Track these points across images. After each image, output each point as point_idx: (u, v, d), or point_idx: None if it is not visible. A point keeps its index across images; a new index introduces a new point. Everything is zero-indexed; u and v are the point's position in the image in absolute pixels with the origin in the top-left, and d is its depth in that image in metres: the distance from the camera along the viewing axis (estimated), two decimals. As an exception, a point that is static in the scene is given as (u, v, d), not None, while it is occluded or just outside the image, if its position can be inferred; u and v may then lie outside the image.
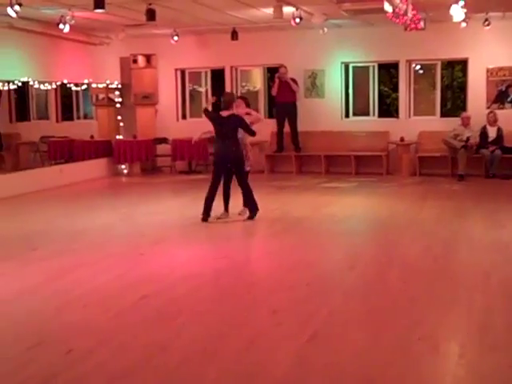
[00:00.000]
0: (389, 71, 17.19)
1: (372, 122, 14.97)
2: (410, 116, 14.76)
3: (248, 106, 9.76)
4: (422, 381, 4.10)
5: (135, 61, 15.97)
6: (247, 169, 9.40)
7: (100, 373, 4.24)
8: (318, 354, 4.49)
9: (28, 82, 13.81)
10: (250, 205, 9.25)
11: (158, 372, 4.24)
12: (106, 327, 5.13)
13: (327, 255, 7.69)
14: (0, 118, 14.58)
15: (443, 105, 15.07)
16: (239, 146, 9.08)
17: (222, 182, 9.27)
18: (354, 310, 5.52)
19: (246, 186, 9.17)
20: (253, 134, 9.08)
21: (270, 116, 15.77)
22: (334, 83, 15.06)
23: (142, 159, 15.82)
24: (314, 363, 4.32)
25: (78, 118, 16.91)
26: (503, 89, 14.09)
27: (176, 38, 14.34)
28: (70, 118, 16.63)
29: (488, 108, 13.96)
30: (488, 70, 14.02)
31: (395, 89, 16.11)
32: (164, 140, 15.73)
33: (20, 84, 13.73)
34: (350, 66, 15.28)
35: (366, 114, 15.35)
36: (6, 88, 13.87)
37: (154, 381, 4.12)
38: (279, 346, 4.69)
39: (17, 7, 9.99)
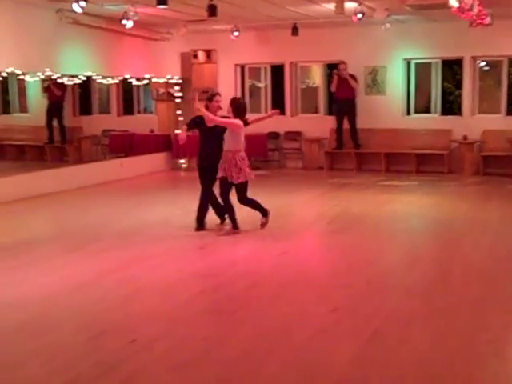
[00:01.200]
0: (452, 68, 16.83)
1: (434, 120, 14.68)
2: (473, 114, 14.41)
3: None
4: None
5: (195, 56, 16.09)
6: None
7: (161, 363, 4.29)
8: (377, 354, 4.43)
9: (91, 77, 14.07)
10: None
11: (216, 364, 4.27)
12: (167, 318, 5.18)
13: (387, 253, 7.58)
14: (64, 112, 14.88)
15: (509, 103, 14.64)
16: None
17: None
18: (415, 309, 5.42)
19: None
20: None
21: (329, 113, 15.67)
22: (396, 80, 14.82)
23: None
24: (374, 362, 4.27)
25: (139, 112, 17.14)
26: None
27: (236, 33, 14.37)
28: (131, 113, 16.88)
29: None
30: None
31: (458, 86, 15.76)
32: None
33: (84, 79, 14.01)
34: (412, 62, 15.01)
35: (428, 111, 15.07)
36: (70, 83, 14.17)
37: (212, 373, 4.15)
38: (339, 343, 4.66)
39: (82, 3, 10.20)
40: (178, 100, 16.17)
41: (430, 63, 14.95)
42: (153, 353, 4.46)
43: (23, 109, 15.63)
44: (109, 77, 14.77)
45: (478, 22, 10.90)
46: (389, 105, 14.78)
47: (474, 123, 14.05)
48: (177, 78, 16.11)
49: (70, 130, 14.84)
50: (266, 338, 4.74)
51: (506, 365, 4.33)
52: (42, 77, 13.46)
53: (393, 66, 14.81)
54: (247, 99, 16.66)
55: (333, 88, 14.69)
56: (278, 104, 16.12)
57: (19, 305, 5.55)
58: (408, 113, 15.01)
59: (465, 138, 13.76)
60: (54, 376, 4.14)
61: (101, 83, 15.07)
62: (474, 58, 14.33)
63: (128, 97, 16.80)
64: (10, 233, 8.48)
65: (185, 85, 16.20)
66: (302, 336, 4.75)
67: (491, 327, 4.94)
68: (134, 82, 15.86)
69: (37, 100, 15.16)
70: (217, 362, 4.32)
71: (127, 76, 15.15)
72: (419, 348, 4.52)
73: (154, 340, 4.70)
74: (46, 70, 12.68)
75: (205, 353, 4.46)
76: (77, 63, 13.39)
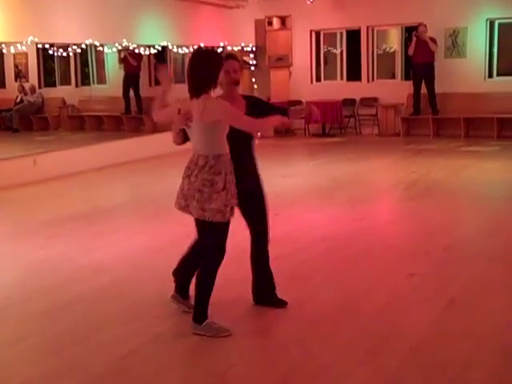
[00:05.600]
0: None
1: (517, 82, 14.09)
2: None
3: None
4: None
5: (270, 23, 15.96)
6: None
7: (239, 328, 4.30)
8: (455, 321, 4.34)
9: (167, 47, 14.18)
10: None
11: (294, 328, 4.32)
12: (243, 283, 5.19)
13: (466, 220, 7.39)
14: (141, 83, 15.09)
15: None
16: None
17: None
18: (495, 277, 5.27)
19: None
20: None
21: (407, 78, 15.28)
22: (478, 41, 14.26)
23: (276, 122, 15.85)
24: (451, 330, 4.19)
25: (213, 80, 17.19)
26: None
27: (311, -2, 14.17)
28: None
29: None
30: None
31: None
32: (298, 103, 15.67)
33: (159, 49, 14.13)
34: (496, 22, 14.40)
35: None
36: (147, 53, 14.33)
37: (290, 336, 4.19)
38: (415, 309, 4.59)
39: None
40: (252, 68, 16.14)
41: (514, 23, 14.33)
42: (230, 317, 4.48)
43: (101, 80, 15.92)
44: (183, 46, 14.85)
45: None
46: (470, 68, 14.26)
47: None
48: (251, 45, 16.05)
49: (146, 100, 15.04)
50: (343, 302, 4.73)
51: None
52: (119, 48, 13.67)
53: (475, 26, 14.24)
54: (322, 66, 16.47)
55: (411, 51, 14.28)
56: (354, 70, 15.86)
57: (103, 269, 5.73)
58: (490, 75, 14.46)
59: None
60: (133, 337, 4.25)
61: (176, 52, 15.16)
62: (562, 17, 13.62)
63: (203, 66, 16.86)
64: (91, 201, 8.72)
65: (259, 52, 16.14)
66: (379, 301, 4.71)
67: None
68: (209, 51, 15.89)
69: (114, 71, 15.40)
70: (293, 325, 4.35)
71: (202, 45, 15.19)
72: (498, 317, 4.40)
73: (233, 303, 4.74)
74: (123, 40, 12.87)
75: (282, 317, 4.48)
76: (152, 33, 13.53)
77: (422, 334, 4.13)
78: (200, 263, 4.24)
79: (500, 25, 14.42)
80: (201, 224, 4.19)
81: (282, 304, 4.58)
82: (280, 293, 4.81)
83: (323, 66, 16.51)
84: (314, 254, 5.99)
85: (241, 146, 4.39)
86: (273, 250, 6.10)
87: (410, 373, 3.66)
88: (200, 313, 4.17)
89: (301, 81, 16.06)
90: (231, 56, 4.55)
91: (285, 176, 10.17)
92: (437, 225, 6.95)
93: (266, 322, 4.42)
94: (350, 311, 4.54)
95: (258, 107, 4.53)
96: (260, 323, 4.43)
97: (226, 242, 4.21)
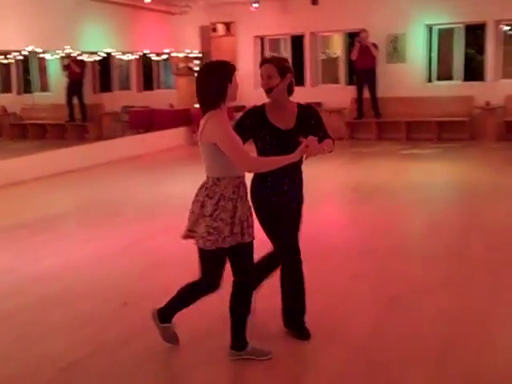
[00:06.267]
0: (474, 33, 16.54)
1: (456, 86, 14.47)
2: (497, 79, 14.19)
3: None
4: (504, 346, 4.00)
5: (214, 29, 16.04)
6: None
7: (178, 333, 4.33)
8: (396, 321, 4.45)
9: (111, 54, 14.10)
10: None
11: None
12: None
13: (407, 221, 7.57)
14: (85, 90, 14.95)
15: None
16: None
17: None
18: (435, 275, 5.42)
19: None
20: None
21: (350, 82, 15.55)
22: (417, 47, 14.62)
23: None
24: (392, 330, 4.29)
25: (159, 87, 17.17)
26: None
27: (256, 4, 14.28)
28: (151, 88, 16.91)
29: None
30: None
31: (481, 51, 15.51)
32: (242, 108, 15.76)
33: (103, 55, 14.04)
34: (434, 28, 14.79)
35: (450, 78, 14.88)
36: (90, 60, 14.21)
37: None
38: (358, 310, 4.69)
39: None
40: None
41: (452, 29, 14.73)
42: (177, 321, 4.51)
43: (44, 87, 15.70)
44: (128, 53, 14.79)
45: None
46: (410, 72, 14.61)
47: (497, 88, 13.84)
48: (196, 52, 16.08)
49: (90, 107, 14.90)
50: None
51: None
52: (62, 54, 13.52)
53: (414, 32, 14.61)
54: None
55: (354, 56, 14.54)
56: (299, 75, 16.04)
57: (48, 278, 5.67)
58: (429, 80, 14.84)
59: (487, 103, 13.58)
60: (79, 346, 4.23)
61: (120, 59, 15.09)
62: (497, 22, 14.08)
63: (148, 72, 16.82)
64: (35, 210, 8.60)
65: (204, 59, 16.16)
66: (323, 302, 4.79)
67: (509, 291, 4.93)
68: (154, 58, 15.87)
69: (57, 78, 15.21)
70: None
71: (146, 51, 15.16)
72: (439, 313, 4.54)
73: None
74: (66, 47, 12.75)
75: (224, 320, 4.51)
76: (96, 40, 13.44)
77: (364, 334, 4.23)
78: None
79: (439, 30, 14.83)
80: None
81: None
82: (224, 296, 4.84)
83: (269, 72, 16.63)
84: (257, 256, 6.03)
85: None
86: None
87: (352, 372, 3.75)
88: (239, 340, 3.96)
89: (246, 86, 16.11)
90: (265, 60, 4.12)
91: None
92: (380, 226, 7.11)
93: (212, 325, 4.44)
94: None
95: (306, 123, 4.09)
96: (203, 326, 4.44)
97: (214, 272, 3.91)
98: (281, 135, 4.04)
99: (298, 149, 3.81)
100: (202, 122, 3.78)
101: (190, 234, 3.94)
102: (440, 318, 4.47)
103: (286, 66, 4.07)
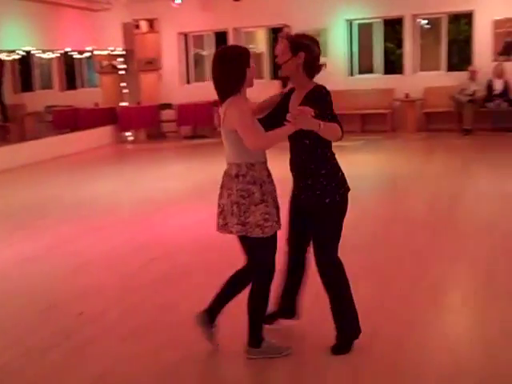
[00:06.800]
0: (393, 27, 16.99)
1: (377, 80, 14.85)
2: (415, 72, 14.62)
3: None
4: (427, 329, 4.16)
5: (137, 26, 15.90)
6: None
7: (110, 333, 4.34)
8: (320, 311, 4.53)
9: (30, 52, 13.78)
10: None
11: (165, 331, 4.34)
12: (115, 289, 5.23)
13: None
14: (4, 89, 14.56)
15: (449, 59, 14.90)
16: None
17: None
18: (360, 264, 5.54)
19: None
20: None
21: (275, 77, 15.70)
22: (338, 41, 14.92)
23: (146, 125, 15.83)
24: (319, 316, 4.38)
25: (82, 86, 16.89)
26: (510, 40, 13.91)
27: (178, 1, 14.24)
28: (74, 87, 16.62)
29: (494, 61, 13.81)
30: (494, 22, 13.83)
31: (400, 45, 15.95)
32: (169, 105, 15.72)
33: (23, 54, 13.71)
34: (354, 23, 15.11)
35: (371, 71, 15.25)
36: (9, 58, 13.85)
37: (161, 339, 4.22)
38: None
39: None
40: (121, 72, 15.99)
41: (371, 23, 15.09)
42: (103, 323, 4.51)
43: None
44: (49, 51, 14.49)
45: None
46: (332, 66, 14.83)
47: (416, 81, 14.27)
48: (120, 49, 15.90)
49: (11, 107, 14.52)
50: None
51: (445, 308, 4.53)
52: (-21, 54, 13.15)
53: (335, 27, 14.89)
54: (192, 68, 16.59)
55: (277, 51, 14.68)
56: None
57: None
58: (351, 73, 15.16)
59: (407, 96, 13.99)
60: (5, 350, 4.17)
61: (41, 58, 14.76)
62: (414, 16, 14.50)
63: (70, 71, 16.52)
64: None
65: (128, 56, 16.02)
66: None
67: (431, 275, 5.13)
68: (76, 56, 15.60)
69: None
70: (165, 329, 4.38)
71: (68, 49, 14.89)
72: (363, 300, 4.66)
73: (103, 311, 4.74)
74: (-18, 46, 12.40)
75: (154, 321, 4.53)
76: (14, 38, 13.11)
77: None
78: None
79: (358, 25, 15.15)
80: (243, 241, 3.79)
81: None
82: (152, 296, 4.88)
83: (193, 68, 16.64)
84: (186, 255, 6.08)
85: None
86: (146, 253, 6.18)
87: (274, 368, 3.83)
88: (256, 337, 3.82)
89: (171, 83, 16.10)
90: (281, 35, 3.89)
91: (156, 179, 10.21)
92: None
93: (135, 327, 4.44)
94: (225, 309, 4.65)
95: (313, 105, 3.60)
96: (130, 327, 4.44)
97: (272, 259, 3.74)
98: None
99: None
100: (221, 110, 3.67)
101: (224, 228, 3.81)
102: (365, 306, 4.60)
103: (299, 42, 3.78)
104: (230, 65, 3.62)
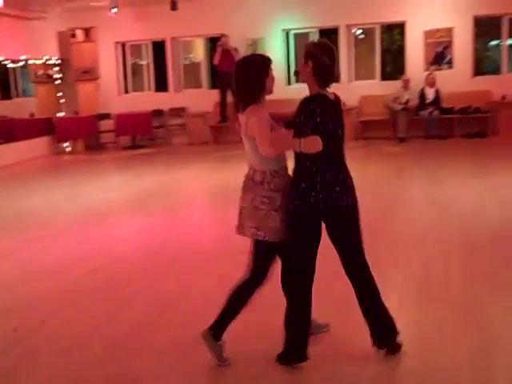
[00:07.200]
0: (329, 37, 17.30)
1: (314, 89, 15.07)
2: (351, 81, 14.94)
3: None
4: (359, 327, 4.28)
5: (74, 35, 15.72)
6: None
7: (50, 345, 4.30)
8: (264, 320, 4.61)
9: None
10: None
11: (106, 341, 4.33)
12: (55, 301, 5.18)
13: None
14: None
15: (383, 68, 15.29)
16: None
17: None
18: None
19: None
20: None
21: (213, 87, 15.78)
22: (276, 50, 15.08)
23: (84, 136, 15.64)
24: (260, 327, 4.44)
25: (17, 96, 16.58)
26: (440, 50, 14.39)
27: (115, 10, 14.15)
28: (8, 97, 16.29)
29: (426, 70, 14.24)
30: (425, 33, 14.27)
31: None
32: (107, 115, 15.59)
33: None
34: (291, 32, 15.34)
35: (308, 80, 15.49)
36: None
37: (103, 350, 4.21)
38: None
39: None
40: (57, 82, 15.77)
41: (307, 33, 15.35)
42: (41, 336, 4.47)
43: None
44: (-19, 60, 14.20)
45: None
46: (271, 76, 15.05)
47: (352, 90, 14.55)
48: (55, 58, 15.68)
49: None
50: (154, 312, 4.83)
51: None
52: None
53: (272, 37, 15.08)
54: (130, 78, 16.50)
55: (216, 60, 14.76)
56: (162, 81, 16.08)
57: None
58: (289, 83, 15.36)
59: (343, 104, 14.21)
60: None
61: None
62: (349, 27, 14.82)
63: (4, 80, 16.20)
64: None
65: (64, 65, 15.81)
66: (192, 306, 4.88)
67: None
68: (10, 65, 15.30)
69: None
70: (107, 338, 4.37)
71: (1, 58, 14.61)
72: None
73: (43, 323, 4.69)
74: None
75: (95, 331, 4.51)
76: None
77: (233, 337, 4.35)
78: None
79: (295, 35, 15.39)
80: (256, 244, 3.83)
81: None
82: (93, 306, 4.86)
83: (131, 78, 16.55)
84: (127, 264, 6.07)
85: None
86: (86, 263, 6.14)
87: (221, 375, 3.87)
88: (220, 326, 3.91)
89: (109, 93, 15.98)
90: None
91: (95, 190, 10.12)
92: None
93: (74, 338, 4.41)
94: (161, 320, 4.66)
95: (297, 118, 3.72)
96: (68, 339, 4.41)
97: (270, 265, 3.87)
98: None
99: None
100: (242, 118, 3.75)
101: (242, 229, 3.88)
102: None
103: (308, 51, 3.76)
104: (249, 74, 3.72)
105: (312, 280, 3.85)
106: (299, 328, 3.82)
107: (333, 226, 3.80)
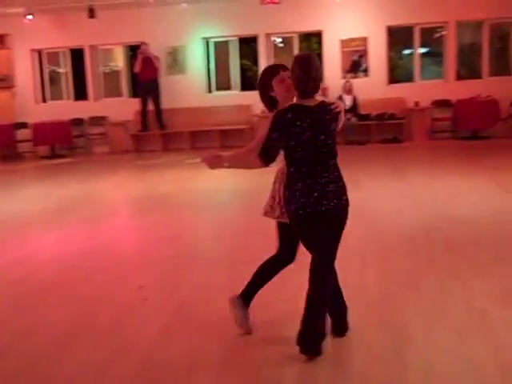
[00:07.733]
0: (249, 45, 17.48)
1: (235, 96, 15.23)
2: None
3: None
4: (285, 336, 4.36)
5: (-13, 42, 15.31)
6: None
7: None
8: (183, 325, 4.62)
9: None
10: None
11: (24, 356, 4.24)
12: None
13: (192, 229, 7.85)
14: None
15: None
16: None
17: None
18: (219, 278, 5.69)
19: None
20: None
21: (134, 95, 15.67)
22: (196, 58, 15.17)
23: (0, 146, 15.23)
24: (179, 335, 4.45)
25: None
26: (356, 59, 14.78)
27: (30, 17, 13.86)
28: None
29: (343, 78, 14.59)
30: (341, 42, 14.63)
31: (256, 62, 16.42)
32: (24, 124, 15.23)
33: None
34: (211, 41, 15.42)
35: (229, 88, 15.60)
36: None
37: (20, 365, 4.13)
38: (146, 319, 4.80)
39: None
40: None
41: (227, 41, 15.46)
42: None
43: None
44: None
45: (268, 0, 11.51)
46: (190, 83, 15.09)
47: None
48: (-32, 66, 15.21)
49: None
50: (76, 321, 4.77)
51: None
52: None
53: (192, 45, 15.13)
54: (48, 86, 16.18)
55: (137, 68, 14.68)
56: (81, 89, 15.85)
57: None
58: (209, 90, 15.43)
59: (263, 111, 14.41)
60: None
61: None
62: (268, 35, 15.03)
63: None
64: None
65: (-23, 73, 15.36)
66: (112, 316, 4.85)
67: (288, 287, 5.35)
68: None
69: None
70: (24, 353, 4.27)
71: None
72: (223, 312, 4.79)
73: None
74: None
75: (12, 346, 4.41)
76: None
77: (152, 343, 4.36)
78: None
79: (215, 43, 15.48)
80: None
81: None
82: (9, 320, 4.74)
83: (49, 86, 16.23)
84: (44, 276, 5.97)
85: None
86: (1, 277, 5.99)
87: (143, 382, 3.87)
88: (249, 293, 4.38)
89: (26, 102, 15.63)
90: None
91: (11, 201, 9.88)
92: (165, 235, 7.30)
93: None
94: (83, 330, 4.61)
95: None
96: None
97: None
98: None
99: None
100: None
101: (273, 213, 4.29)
102: (225, 315, 4.73)
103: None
104: (259, 91, 4.07)
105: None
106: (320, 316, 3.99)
107: (318, 229, 3.95)
